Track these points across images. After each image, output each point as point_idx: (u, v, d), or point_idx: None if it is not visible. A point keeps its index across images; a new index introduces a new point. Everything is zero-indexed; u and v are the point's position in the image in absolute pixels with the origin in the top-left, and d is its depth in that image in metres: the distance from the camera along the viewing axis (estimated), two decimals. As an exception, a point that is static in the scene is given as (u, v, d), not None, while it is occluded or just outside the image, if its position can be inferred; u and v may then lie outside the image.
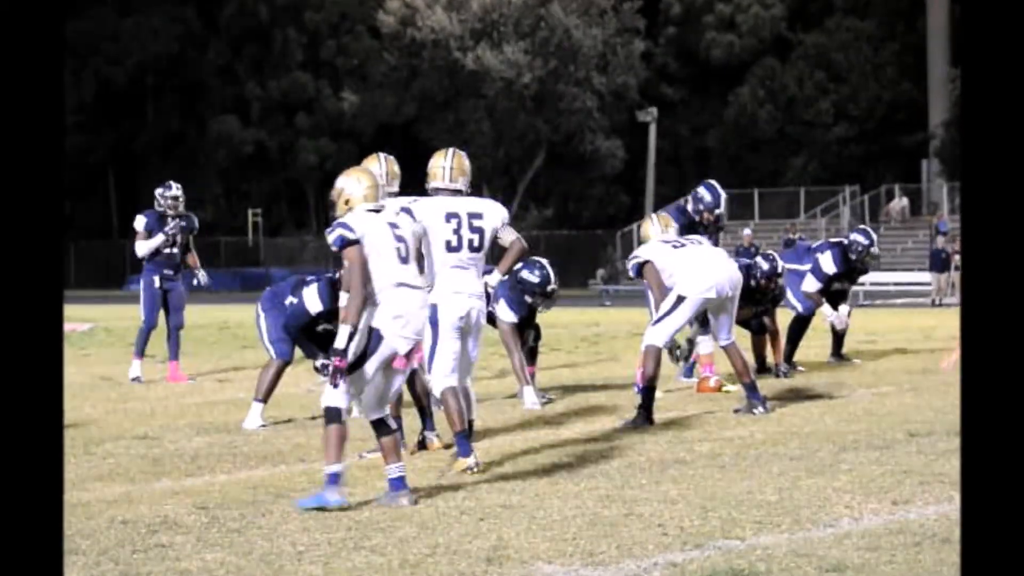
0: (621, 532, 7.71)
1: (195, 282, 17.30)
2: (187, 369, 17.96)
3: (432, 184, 10.27)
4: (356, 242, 8.59)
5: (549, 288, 13.96)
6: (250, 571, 6.98)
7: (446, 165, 10.24)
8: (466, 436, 9.92)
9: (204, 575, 6.92)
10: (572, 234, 63.54)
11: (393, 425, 8.86)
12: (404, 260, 8.78)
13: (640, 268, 13.07)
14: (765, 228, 55.65)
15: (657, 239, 13.31)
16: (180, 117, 72.49)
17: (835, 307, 17.16)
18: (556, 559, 7.11)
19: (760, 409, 12.76)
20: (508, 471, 9.86)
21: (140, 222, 17.01)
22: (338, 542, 7.58)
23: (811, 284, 17.11)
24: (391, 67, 65.49)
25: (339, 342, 8.44)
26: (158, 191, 17.13)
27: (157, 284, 16.91)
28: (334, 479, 8.42)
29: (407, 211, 9.87)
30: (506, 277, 13.92)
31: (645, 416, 12.21)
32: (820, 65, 66.01)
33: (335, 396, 8.51)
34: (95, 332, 28.06)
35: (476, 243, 10.04)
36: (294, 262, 64.40)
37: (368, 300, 8.58)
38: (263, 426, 12.33)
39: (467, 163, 10.37)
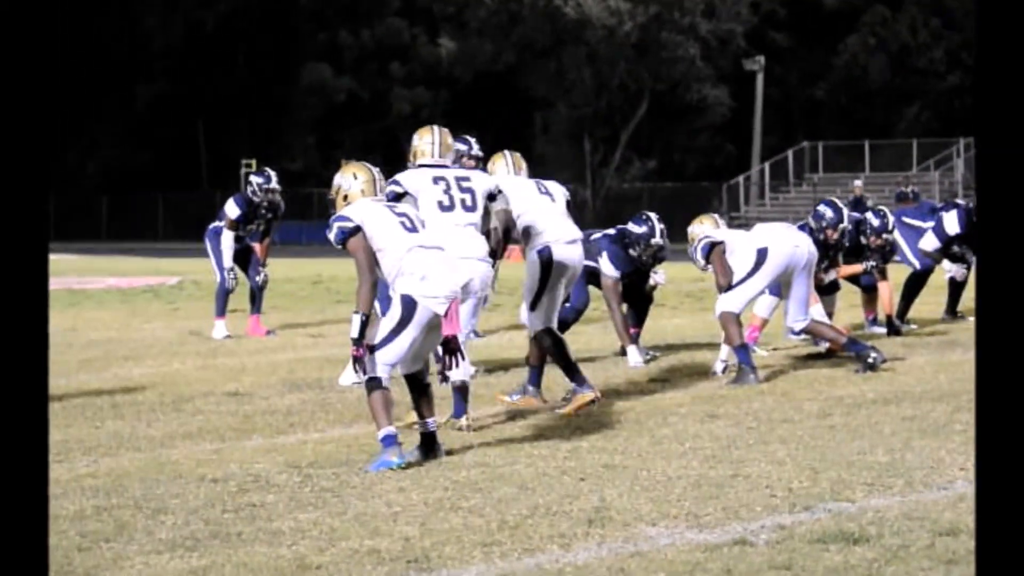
0: (727, 494, 7.56)
1: (257, 278, 17.04)
2: (280, 324, 17.88)
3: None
4: (356, 231, 8.70)
5: (653, 241, 13.73)
6: (344, 532, 6.86)
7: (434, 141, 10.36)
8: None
9: (297, 536, 6.80)
10: (677, 186, 63.05)
11: (427, 380, 8.94)
12: (412, 229, 8.79)
13: (709, 250, 12.73)
14: (876, 181, 54.82)
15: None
16: (271, 65, 72.09)
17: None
18: (660, 521, 6.98)
19: (874, 355, 12.44)
20: (611, 431, 9.69)
21: (234, 211, 16.59)
22: (435, 502, 7.46)
23: (930, 242, 16.69)
24: (490, 12, 64.98)
25: (353, 331, 8.59)
26: (257, 179, 16.82)
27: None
28: (389, 441, 8.46)
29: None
30: (612, 230, 13.79)
31: (752, 374, 11.95)
32: (936, 12, 64.82)
33: (374, 368, 8.61)
34: (183, 285, 28.16)
35: (469, 203, 10.19)
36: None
37: (376, 286, 8.73)
38: (358, 383, 12.11)
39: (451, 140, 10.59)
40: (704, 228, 13.22)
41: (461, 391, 9.94)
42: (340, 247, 8.82)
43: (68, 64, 68.64)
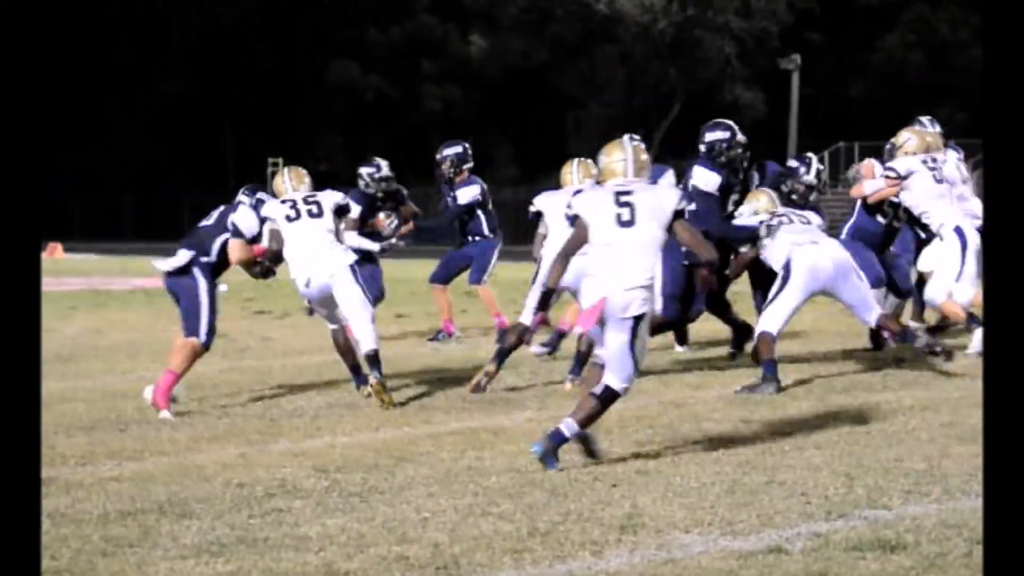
0: (762, 500, 7.47)
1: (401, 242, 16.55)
2: (310, 326, 17.82)
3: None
4: (574, 218, 8.82)
5: (805, 179, 13.44)
6: (372, 538, 6.79)
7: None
8: None
9: (324, 541, 6.73)
10: (710, 187, 62.71)
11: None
12: (626, 224, 8.59)
13: None
14: (913, 182, 54.46)
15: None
16: (298, 62, 71.74)
17: None
18: (693, 528, 6.91)
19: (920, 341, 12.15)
20: (643, 436, 9.60)
21: (355, 210, 15.28)
22: (464, 508, 7.39)
23: None
24: (521, 9, 64.80)
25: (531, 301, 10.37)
26: (365, 170, 16.41)
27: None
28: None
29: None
30: None
31: (774, 384, 11.65)
32: (976, 8, 64.41)
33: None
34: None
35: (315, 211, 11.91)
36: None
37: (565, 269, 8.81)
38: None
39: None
40: (761, 204, 12.83)
41: (371, 359, 10.95)
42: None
43: (90, 62, 68.79)
